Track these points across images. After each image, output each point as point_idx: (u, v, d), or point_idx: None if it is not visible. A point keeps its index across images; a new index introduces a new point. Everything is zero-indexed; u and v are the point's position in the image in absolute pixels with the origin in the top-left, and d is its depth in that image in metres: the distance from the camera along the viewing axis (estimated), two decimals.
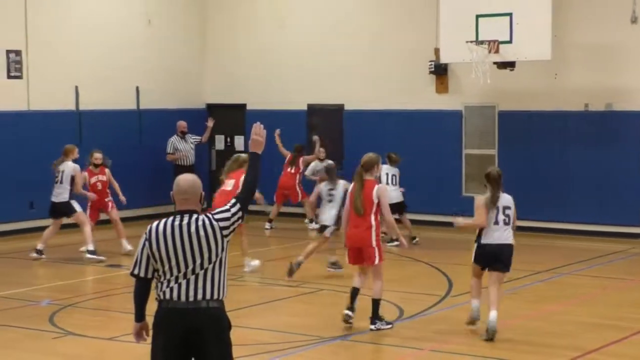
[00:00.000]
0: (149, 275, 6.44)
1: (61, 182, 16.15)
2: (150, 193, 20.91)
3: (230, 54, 22.84)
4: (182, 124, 21.14)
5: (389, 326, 11.29)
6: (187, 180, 6.51)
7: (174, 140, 21.02)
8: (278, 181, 20.04)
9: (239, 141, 22.88)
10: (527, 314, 12.24)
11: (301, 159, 20.18)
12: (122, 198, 17.24)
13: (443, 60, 19.06)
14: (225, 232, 6.39)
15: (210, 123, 21.64)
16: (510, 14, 17.65)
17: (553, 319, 12.03)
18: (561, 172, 19.29)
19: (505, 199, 11.02)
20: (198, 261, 6.32)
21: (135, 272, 6.46)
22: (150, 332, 6.49)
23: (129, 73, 21.28)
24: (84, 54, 20.32)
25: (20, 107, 19.34)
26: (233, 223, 6.43)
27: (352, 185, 11.39)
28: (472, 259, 11.19)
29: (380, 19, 21.10)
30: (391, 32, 20.86)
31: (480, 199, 11.06)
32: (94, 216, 16.91)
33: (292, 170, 20.10)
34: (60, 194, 16.15)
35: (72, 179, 16.12)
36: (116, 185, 17.25)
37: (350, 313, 11.14)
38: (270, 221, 20.13)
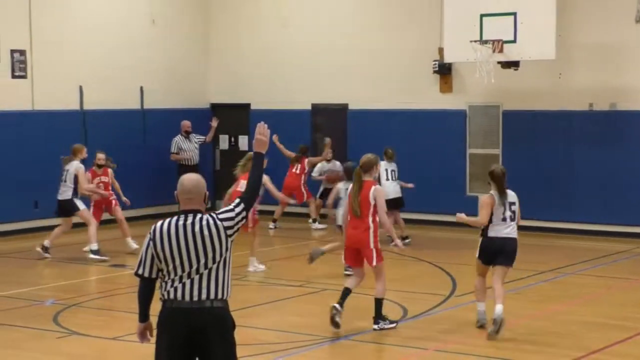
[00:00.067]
0: (153, 275, 6.44)
1: (65, 181, 16.21)
2: (154, 193, 20.93)
3: (234, 53, 22.85)
4: (186, 124, 21.15)
5: (393, 325, 11.28)
6: (191, 179, 6.50)
7: (178, 139, 21.03)
8: (283, 181, 20.03)
9: (243, 141, 22.88)
10: (532, 313, 12.22)
11: (306, 160, 20.16)
12: (125, 199, 17.27)
13: (447, 59, 19.04)
14: (229, 232, 6.38)
15: (214, 123, 21.65)
16: (514, 14, 17.64)
17: (557, 319, 12.02)
18: (565, 172, 19.28)
19: (510, 195, 11.12)
20: (202, 261, 6.31)
21: (140, 272, 6.46)
22: (154, 332, 6.48)
23: (133, 73, 21.30)
24: (88, 54, 20.34)
25: (24, 107, 19.36)
26: (237, 223, 6.43)
27: (350, 186, 11.40)
28: (477, 254, 11.22)
29: (385, 19, 21.10)
30: (395, 31, 20.86)
31: (484, 198, 11.11)
32: (98, 215, 16.93)
33: (297, 171, 20.10)
34: (65, 192, 16.21)
35: (76, 178, 16.15)
36: (117, 187, 17.29)
37: (337, 306, 10.96)
38: (274, 221, 20.13)
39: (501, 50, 17.73)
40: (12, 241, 18.45)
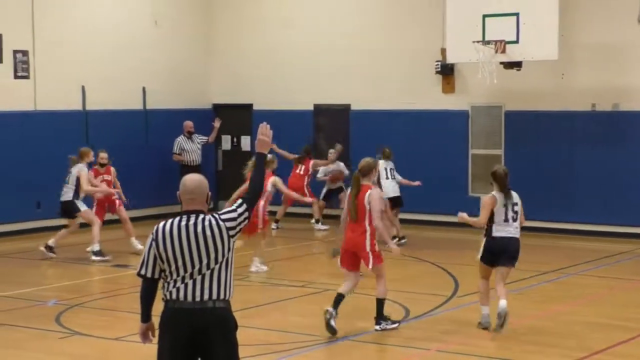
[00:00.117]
0: (156, 276, 6.44)
1: (68, 182, 16.23)
2: (156, 193, 20.94)
3: (237, 54, 22.85)
4: (188, 124, 21.16)
5: (395, 325, 11.28)
6: (193, 180, 6.50)
7: (181, 140, 21.03)
8: (287, 182, 20.01)
9: (245, 141, 22.89)
10: (534, 314, 12.21)
11: (311, 162, 20.16)
12: (124, 199, 17.27)
13: (449, 60, 19.04)
14: (231, 233, 6.38)
15: (217, 123, 21.65)
16: (517, 14, 17.63)
17: (560, 319, 12.01)
18: (568, 172, 19.27)
19: (513, 196, 11.14)
20: (204, 261, 6.31)
21: (142, 272, 6.46)
22: (157, 332, 6.48)
23: (136, 73, 21.31)
24: (90, 55, 20.35)
25: (27, 107, 19.37)
26: (240, 223, 6.42)
27: (349, 189, 11.43)
28: (479, 256, 11.23)
29: (387, 19, 21.10)
30: (397, 32, 20.86)
31: (485, 198, 11.16)
32: (101, 214, 16.95)
33: (301, 172, 20.09)
34: (66, 193, 16.23)
35: (78, 180, 16.15)
36: (119, 186, 17.30)
37: (331, 309, 10.90)
38: (277, 221, 20.13)
39: (504, 51, 17.72)
40: (15, 241, 18.46)
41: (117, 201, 17.21)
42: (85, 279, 15.26)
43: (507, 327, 10.94)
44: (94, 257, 16.18)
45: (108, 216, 17.44)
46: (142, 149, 21.23)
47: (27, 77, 19.28)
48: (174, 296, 6.30)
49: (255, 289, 14.21)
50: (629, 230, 18.68)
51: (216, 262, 6.33)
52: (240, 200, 6.52)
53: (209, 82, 23.19)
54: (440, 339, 10.99)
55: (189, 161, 20.87)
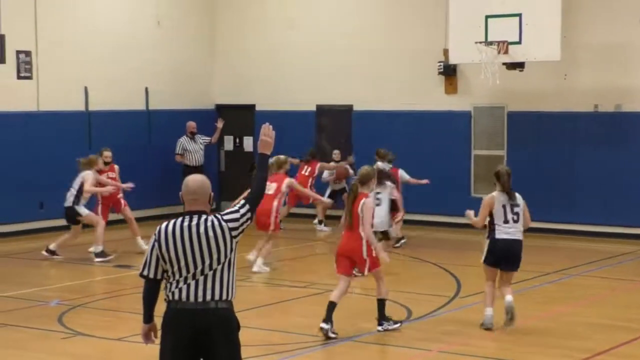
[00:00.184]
0: (158, 277, 6.44)
1: (71, 187, 16.21)
2: (159, 193, 20.94)
3: (240, 54, 22.86)
4: (191, 125, 21.16)
5: (397, 325, 11.29)
6: (196, 180, 6.50)
7: (183, 140, 21.04)
8: None
9: (248, 142, 22.91)
10: (536, 315, 12.21)
11: (318, 165, 20.15)
12: (128, 184, 17.10)
13: (452, 60, 19.06)
14: (234, 233, 6.38)
15: (219, 124, 21.65)
16: (519, 15, 17.64)
17: (562, 320, 12.01)
18: (570, 173, 19.26)
19: (515, 197, 11.19)
20: (207, 262, 6.31)
21: (145, 273, 6.46)
22: (159, 333, 6.49)
23: (138, 74, 21.32)
24: (93, 55, 20.36)
25: (29, 108, 19.38)
26: (242, 224, 6.43)
27: (345, 194, 11.49)
28: (483, 259, 11.25)
29: (389, 20, 21.10)
30: (400, 32, 20.86)
31: (485, 199, 11.24)
32: (105, 213, 16.96)
33: (306, 173, 20.08)
34: (68, 198, 16.20)
35: (81, 185, 16.13)
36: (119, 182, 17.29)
37: (325, 326, 10.85)
38: (280, 221, 20.10)
39: (506, 52, 17.72)
40: (17, 242, 18.47)
41: (123, 201, 17.25)
42: (88, 279, 15.27)
43: (517, 321, 11.03)
44: (96, 259, 16.19)
45: (112, 217, 17.45)
46: (145, 149, 21.24)
47: (30, 78, 19.29)
48: (176, 297, 6.30)
49: (258, 290, 14.21)
50: (631, 231, 18.68)
51: (219, 263, 6.33)
52: (243, 201, 6.52)
53: (211, 82, 23.20)
54: (442, 340, 10.99)
55: (191, 161, 20.87)
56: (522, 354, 10.44)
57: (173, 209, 20.08)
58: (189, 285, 6.30)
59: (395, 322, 11.31)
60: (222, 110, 22.88)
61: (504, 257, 11.17)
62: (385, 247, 15.03)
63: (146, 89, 21.59)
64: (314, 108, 22.04)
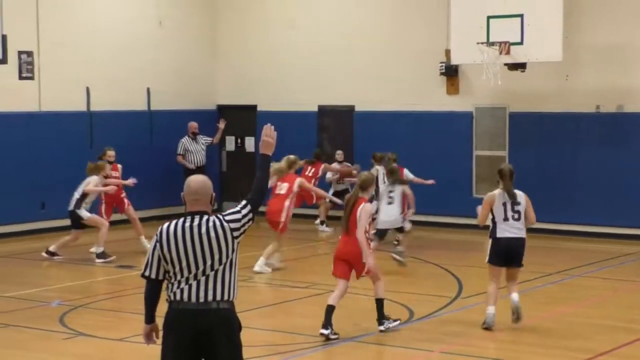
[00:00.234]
0: (160, 277, 6.45)
1: (75, 191, 16.21)
2: (161, 194, 20.95)
3: (241, 55, 22.86)
4: (193, 125, 21.16)
5: (397, 322, 11.30)
6: (197, 181, 6.50)
7: (185, 141, 21.05)
8: None
9: (249, 142, 22.91)
10: (538, 315, 12.19)
11: (322, 166, 20.15)
12: (131, 179, 17.12)
13: (454, 61, 19.04)
14: (235, 234, 6.38)
15: (221, 124, 21.64)
16: (521, 15, 17.64)
17: (564, 321, 12.01)
18: (572, 174, 19.25)
19: (517, 195, 11.25)
20: (209, 262, 6.31)
21: (146, 273, 6.46)
22: (161, 333, 6.49)
23: (140, 74, 21.32)
24: (95, 55, 20.36)
25: (31, 108, 19.38)
26: (244, 224, 6.42)
27: (345, 197, 11.55)
28: (487, 258, 11.32)
29: (391, 20, 21.10)
30: (402, 33, 20.86)
31: (485, 197, 11.30)
32: (108, 213, 16.96)
33: (310, 174, 20.08)
34: (71, 202, 16.21)
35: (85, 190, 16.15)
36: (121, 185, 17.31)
37: (325, 331, 10.84)
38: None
39: (508, 52, 17.72)
40: (19, 242, 18.48)
41: (126, 200, 17.26)
42: (89, 279, 15.27)
43: (523, 319, 11.20)
44: (97, 260, 16.20)
45: (114, 217, 17.45)
46: (147, 149, 21.23)
47: (31, 78, 19.29)
48: (178, 297, 6.30)
49: (260, 290, 14.22)
50: (633, 232, 18.66)
51: (220, 263, 6.33)
52: (244, 201, 6.52)
53: (213, 83, 23.20)
54: (444, 341, 10.98)
55: (193, 162, 20.86)
56: (523, 354, 10.45)
57: (174, 209, 20.08)
58: (190, 286, 6.30)
59: (395, 320, 11.32)
60: (224, 110, 22.88)
61: (506, 255, 11.27)
62: (403, 241, 15.63)
63: (148, 90, 21.59)
64: (315, 108, 22.04)
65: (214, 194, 6.53)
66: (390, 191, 15.44)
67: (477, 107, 20.22)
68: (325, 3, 22.06)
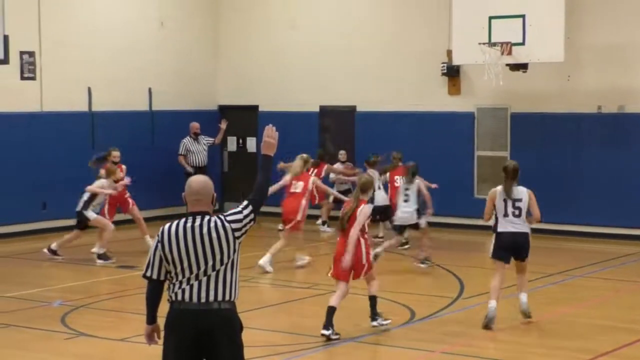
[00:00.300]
0: (162, 277, 6.45)
1: (84, 192, 16.23)
2: (162, 194, 20.95)
3: (243, 55, 22.87)
4: (195, 125, 21.17)
5: (389, 322, 11.32)
6: (199, 181, 6.51)
7: (187, 141, 21.05)
8: None
9: (251, 143, 22.91)
10: (540, 315, 12.17)
11: (325, 167, 20.16)
12: (125, 180, 17.16)
13: (455, 62, 19.03)
14: (237, 234, 6.38)
15: (223, 125, 21.64)
16: (523, 16, 17.63)
17: (565, 321, 12.01)
18: (574, 174, 19.25)
19: (517, 191, 11.39)
20: (210, 263, 6.31)
21: (148, 274, 6.46)
22: (162, 334, 6.49)
23: (142, 74, 21.33)
24: (96, 56, 20.37)
25: (33, 109, 19.39)
26: (245, 225, 6.42)
27: (347, 200, 11.60)
28: (490, 253, 11.42)
29: (393, 21, 21.10)
30: (403, 33, 20.86)
31: (490, 193, 11.55)
32: (112, 213, 16.97)
33: (313, 174, 20.05)
34: (79, 202, 16.22)
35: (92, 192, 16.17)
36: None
37: (326, 332, 10.85)
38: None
39: (510, 53, 17.72)
40: (20, 242, 18.48)
41: (130, 200, 17.29)
42: (91, 279, 15.27)
43: (533, 318, 11.55)
44: (98, 260, 16.21)
45: (117, 217, 17.44)
46: (148, 150, 21.24)
47: (33, 79, 19.30)
48: (179, 297, 6.31)
49: (261, 290, 14.22)
50: (635, 232, 18.66)
51: (222, 264, 6.33)
52: (246, 202, 6.52)
53: (215, 83, 23.20)
54: (445, 341, 10.98)
55: (194, 162, 20.87)
56: (524, 354, 10.44)
57: (176, 209, 20.09)
58: (192, 286, 6.30)
59: (386, 320, 11.34)
60: (226, 111, 22.88)
61: (508, 249, 11.46)
62: (422, 238, 15.80)
63: (149, 90, 21.60)
64: (317, 109, 22.04)
65: (215, 195, 6.53)
66: (407, 188, 15.68)
67: (478, 108, 20.22)
68: (327, 4, 22.06)
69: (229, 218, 6.40)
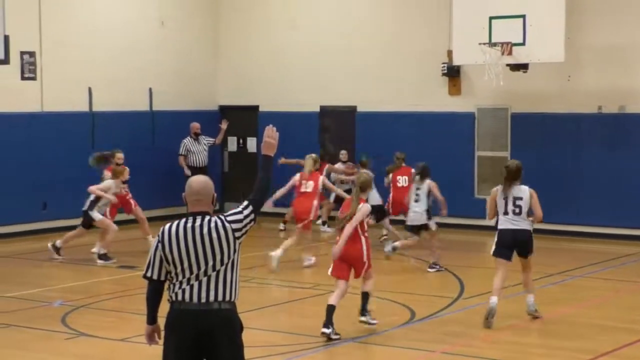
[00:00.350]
0: (162, 278, 6.45)
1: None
2: (163, 194, 20.95)
3: (243, 55, 22.87)
4: (195, 126, 21.18)
5: (376, 322, 11.35)
6: (199, 181, 6.51)
7: (187, 141, 21.06)
8: None
9: (251, 143, 22.91)
10: (540, 316, 12.19)
11: (326, 166, 20.15)
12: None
13: (456, 62, 19.04)
14: (237, 234, 6.38)
15: (224, 125, 21.65)
16: (523, 16, 17.63)
17: (566, 321, 12.01)
18: (574, 175, 19.25)
19: (518, 189, 11.45)
20: (210, 263, 6.32)
21: (148, 274, 6.46)
22: (162, 334, 6.49)
23: (142, 74, 21.34)
24: (97, 56, 20.38)
25: (33, 109, 19.40)
26: (245, 225, 6.42)
27: (347, 199, 11.62)
28: (492, 251, 11.56)
29: (393, 21, 21.10)
30: (404, 33, 20.86)
31: (492, 191, 11.70)
32: (113, 213, 16.98)
33: None
34: (85, 201, 16.25)
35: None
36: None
37: (327, 330, 10.87)
38: (284, 222, 20.12)
39: (510, 53, 17.72)
40: (21, 242, 18.49)
41: (132, 201, 17.30)
42: (91, 279, 15.27)
43: (541, 315, 11.74)
44: (98, 260, 16.23)
45: (119, 217, 17.44)
46: (149, 150, 21.24)
47: (33, 79, 19.30)
48: (179, 297, 6.31)
49: (262, 291, 14.21)
50: (635, 232, 18.66)
51: (222, 264, 6.33)
52: (246, 202, 6.52)
53: (215, 83, 23.21)
54: (446, 341, 10.99)
55: (195, 162, 20.88)
56: (525, 355, 10.44)
57: (176, 210, 20.09)
58: (192, 286, 6.30)
59: (373, 319, 11.36)
60: (226, 111, 22.89)
61: (508, 247, 11.54)
62: (431, 240, 15.80)
63: (150, 90, 21.61)
64: (317, 109, 22.05)
65: (215, 195, 6.53)
66: (418, 188, 15.74)
67: (479, 108, 20.22)
68: (327, 4, 22.06)
69: (229, 218, 6.40)
